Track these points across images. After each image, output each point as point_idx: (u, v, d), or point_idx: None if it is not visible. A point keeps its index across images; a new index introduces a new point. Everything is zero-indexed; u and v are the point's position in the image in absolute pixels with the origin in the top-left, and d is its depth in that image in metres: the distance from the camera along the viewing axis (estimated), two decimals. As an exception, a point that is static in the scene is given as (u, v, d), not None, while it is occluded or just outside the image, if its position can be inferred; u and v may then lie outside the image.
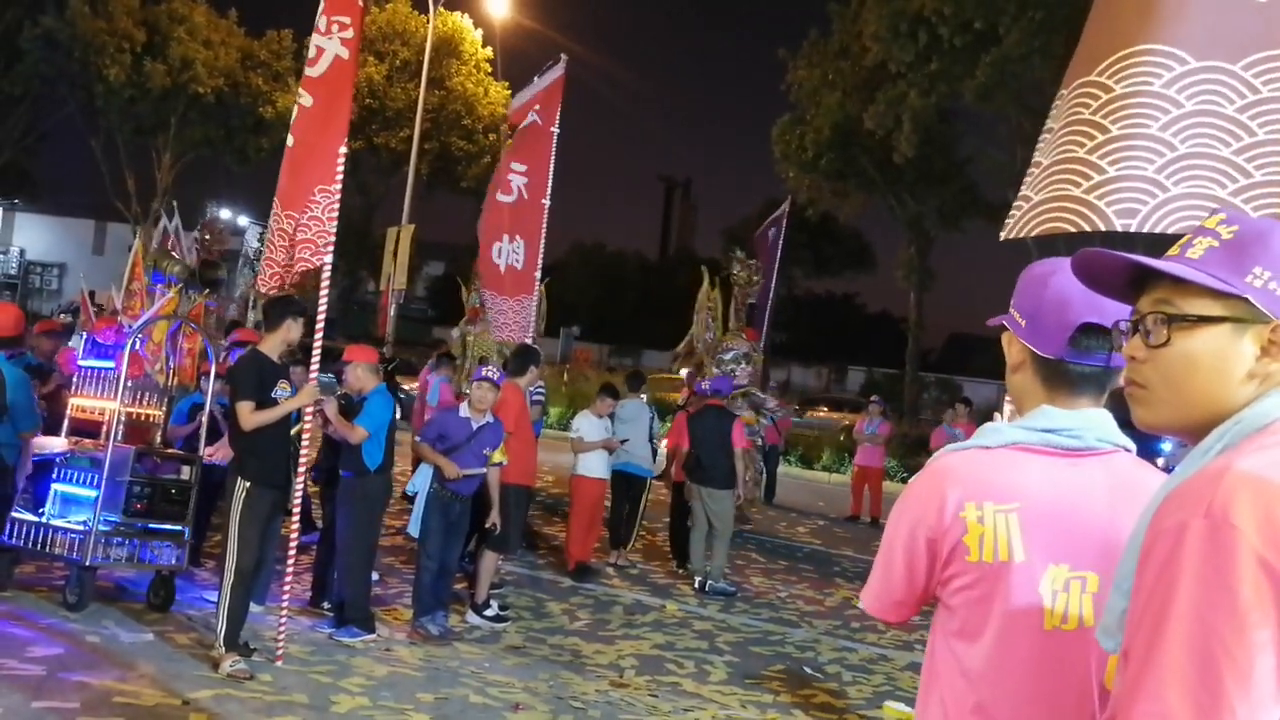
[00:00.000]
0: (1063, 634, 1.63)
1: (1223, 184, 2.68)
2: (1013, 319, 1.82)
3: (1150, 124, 2.72)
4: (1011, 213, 3.03)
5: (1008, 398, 1.98)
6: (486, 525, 7.32)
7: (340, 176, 6.14)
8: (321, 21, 6.20)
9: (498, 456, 7.35)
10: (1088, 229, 2.75)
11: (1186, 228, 2.60)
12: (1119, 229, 2.70)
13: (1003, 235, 3.01)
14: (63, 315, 16.67)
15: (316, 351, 6.14)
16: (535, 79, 9.78)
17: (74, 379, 7.33)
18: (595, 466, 9.40)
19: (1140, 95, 2.75)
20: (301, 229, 6.11)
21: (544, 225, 9.52)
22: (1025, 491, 1.68)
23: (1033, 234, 2.90)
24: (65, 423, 7.12)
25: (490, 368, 7.72)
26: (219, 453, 7.04)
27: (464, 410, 7.35)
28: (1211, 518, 1.14)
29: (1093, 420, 1.75)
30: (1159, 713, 1.12)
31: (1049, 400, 1.77)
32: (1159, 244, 1.70)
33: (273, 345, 6.12)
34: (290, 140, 6.25)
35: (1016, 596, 1.65)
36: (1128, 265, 1.40)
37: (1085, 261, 1.46)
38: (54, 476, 6.84)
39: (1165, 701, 1.12)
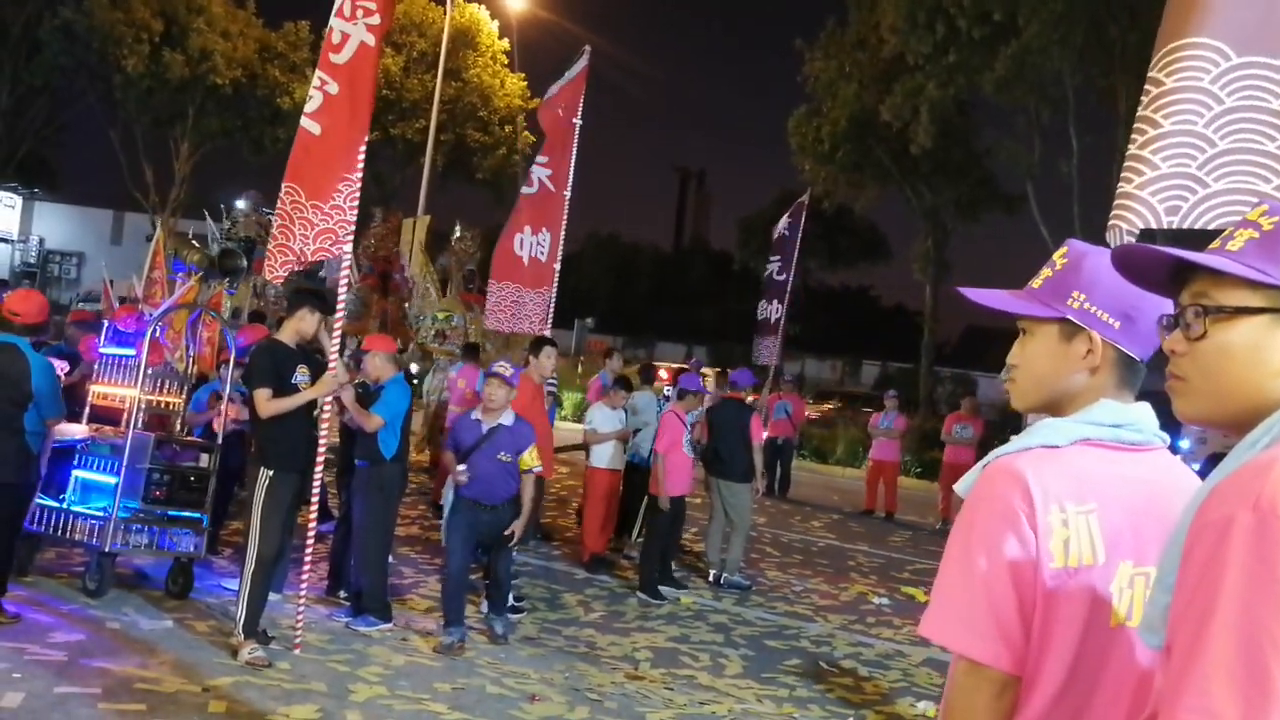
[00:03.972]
0: (1127, 630, 1.59)
1: (1267, 179, 2.67)
2: (1096, 319, 1.70)
3: (1196, 120, 2.72)
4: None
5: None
6: (505, 533, 6.79)
7: (361, 166, 6.12)
8: (346, 6, 6.11)
9: (529, 461, 6.85)
10: (1141, 226, 2.74)
11: (1228, 223, 2.59)
12: (1165, 225, 2.69)
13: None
14: (82, 304, 16.75)
15: (335, 341, 6.15)
16: (566, 74, 9.80)
17: (95, 366, 7.39)
18: (609, 458, 9.40)
19: (1189, 90, 2.74)
20: (324, 218, 6.09)
21: (564, 216, 9.57)
22: (1100, 490, 1.63)
23: (1106, 232, 2.89)
24: (86, 410, 7.17)
25: (504, 363, 7.20)
26: (234, 410, 7.15)
27: (476, 412, 6.99)
28: (1259, 511, 1.12)
29: (1147, 413, 1.71)
30: (1205, 708, 1.10)
31: (1121, 398, 1.71)
32: (1180, 238, 1.68)
33: (288, 334, 6.15)
34: (317, 128, 6.14)
35: (1090, 597, 1.59)
36: (1168, 260, 1.39)
37: (1126, 256, 1.46)
38: (75, 463, 6.90)
39: (1211, 697, 1.09)
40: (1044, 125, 23.59)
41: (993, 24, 20.40)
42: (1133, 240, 2.76)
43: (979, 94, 23.53)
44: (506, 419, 6.85)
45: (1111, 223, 2.85)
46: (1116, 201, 2.83)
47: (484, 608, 7.32)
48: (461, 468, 6.65)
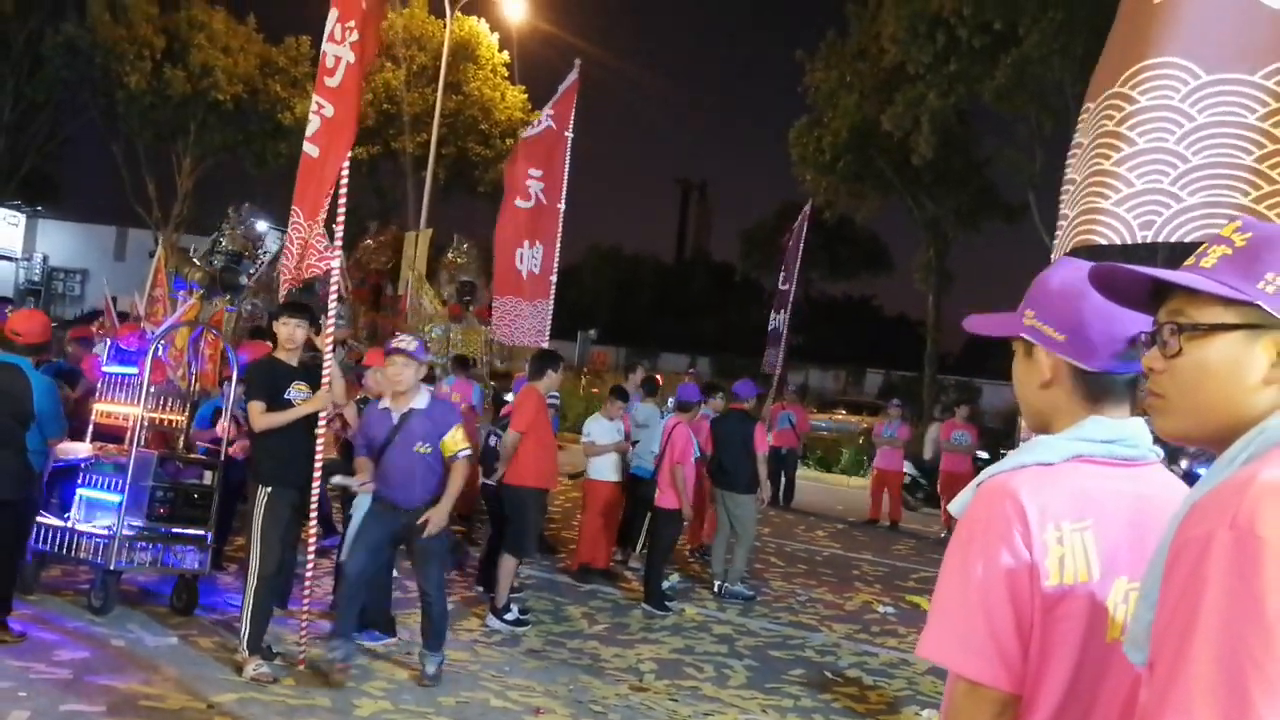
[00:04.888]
0: (1121, 644, 1.55)
1: (1245, 191, 2.71)
2: (1041, 334, 1.73)
3: (1168, 138, 2.77)
4: (1057, 231, 3.07)
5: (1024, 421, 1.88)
6: (418, 522, 5.90)
7: (345, 180, 6.15)
8: (337, 30, 6.16)
9: (453, 445, 5.95)
10: (1118, 241, 2.78)
11: (1204, 236, 2.62)
12: (1139, 240, 2.74)
13: (1054, 256, 3.03)
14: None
15: (329, 356, 6.15)
16: (560, 88, 9.86)
17: (98, 385, 7.41)
18: (607, 470, 9.37)
19: (1162, 109, 2.79)
20: (311, 235, 6.18)
21: (559, 229, 9.58)
22: (1095, 507, 1.63)
23: (1069, 247, 2.93)
24: (90, 428, 7.19)
25: (407, 338, 6.17)
26: (237, 447, 7.12)
27: (385, 400, 6.13)
28: (1237, 528, 1.14)
29: (1141, 428, 1.71)
30: None
31: (1095, 412, 1.70)
32: (1177, 253, 1.70)
33: (282, 349, 6.18)
34: (315, 151, 6.21)
35: (1087, 613, 1.59)
36: (1144, 278, 1.41)
37: (1104, 275, 1.47)
38: (79, 481, 6.92)
39: (1192, 714, 1.11)
40: (1045, 134, 23.61)
41: (993, 33, 20.44)
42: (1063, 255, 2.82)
43: (980, 103, 23.55)
44: (419, 402, 5.98)
45: (1081, 238, 2.88)
46: (1087, 216, 2.86)
47: (491, 621, 7.33)
48: (356, 478, 5.85)
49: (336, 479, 6.04)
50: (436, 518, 5.88)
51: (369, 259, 16.06)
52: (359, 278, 15.70)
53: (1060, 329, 1.71)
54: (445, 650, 6.12)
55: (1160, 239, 2.73)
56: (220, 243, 16.31)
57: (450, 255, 16.32)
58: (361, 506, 6.19)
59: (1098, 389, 1.71)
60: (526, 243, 9.61)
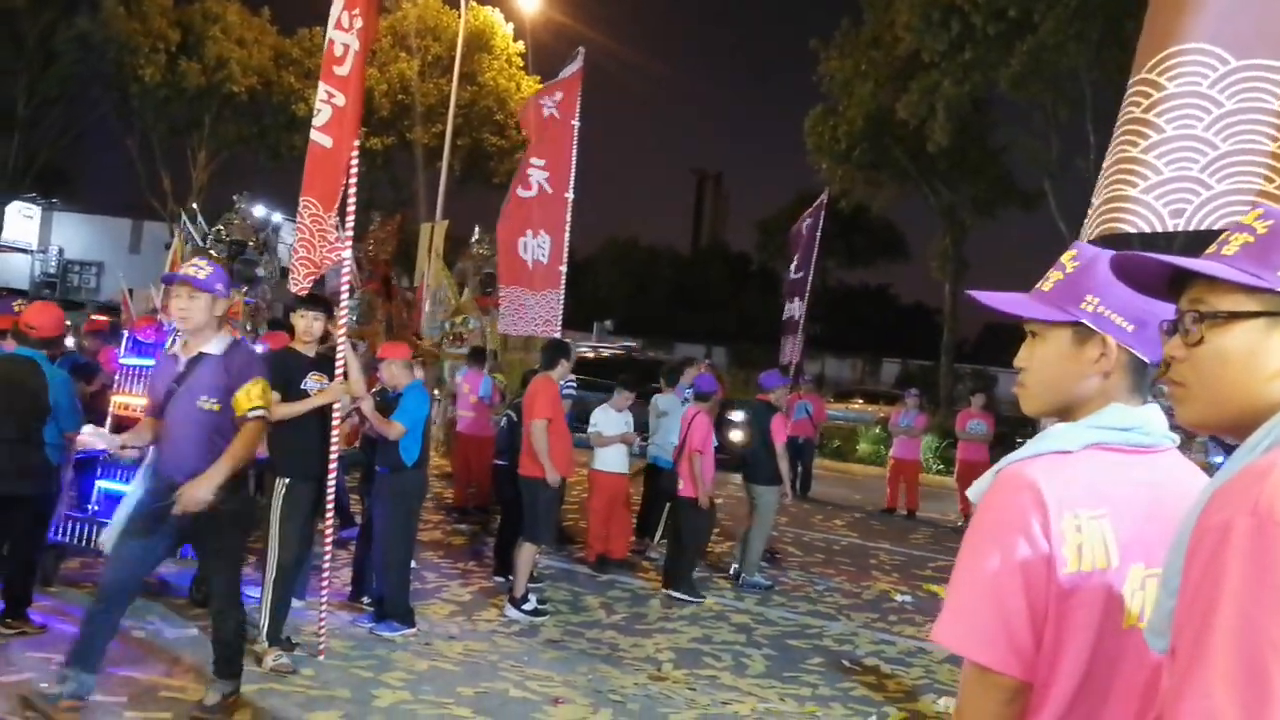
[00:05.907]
0: (1139, 631, 1.58)
1: (1270, 178, 2.68)
2: (1110, 323, 1.70)
3: (1196, 124, 2.75)
4: (1088, 218, 3.05)
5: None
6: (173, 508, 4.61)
7: (355, 169, 6.14)
8: (344, 17, 6.16)
9: (245, 402, 4.72)
10: (1147, 229, 2.76)
11: (1231, 224, 2.60)
12: (1170, 229, 2.72)
13: (1083, 240, 3.01)
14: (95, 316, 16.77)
15: (342, 348, 6.15)
16: (560, 74, 9.78)
17: (115, 377, 7.43)
18: (612, 461, 9.33)
19: (1190, 95, 2.77)
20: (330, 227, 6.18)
21: (568, 218, 9.46)
22: (1112, 495, 1.62)
23: (1094, 235, 2.91)
24: (108, 420, 7.21)
25: (200, 263, 4.91)
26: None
27: (175, 344, 4.97)
28: (1257, 515, 1.13)
29: (1157, 416, 1.71)
30: (1206, 710, 1.11)
31: (1129, 402, 1.70)
32: (1195, 241, 1.68)
33: (299, 340, 6.20)
34: (328, 141, 6.19)
35: (1103, 600, 1.59)
36: (1165, 266, 1.40)
37: (1125, 263, 1.47)
38: (97, 473, 6.95)
39: (1212, 699, 1.11)
40: (1061, 121, 23.46)
41: (1007, 20, 20.32)
42: (1096, 243, 2.80)
43: (995, 91, 23.42)
44: (213, 347, 4.78)
45: (1108, 225, 2.86)
46: (1116, 204, 2.84)
47: (509, 611, 7.34)
48: (119, 437, 4.90)
49: (87, 430, 5.02)
50: (194, 490, 4.55)
51: (377, 250, 16.01)
52: (368, 269, 15.64)
53: (1129, 319, 1.69)
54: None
55: (1190, 227, 2.72)
56: (223, 232, 16.18)
57: (475, 248, 16.26)
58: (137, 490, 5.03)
59: (1143, 379, 1.71)
60: (530, 232, 9.52)
